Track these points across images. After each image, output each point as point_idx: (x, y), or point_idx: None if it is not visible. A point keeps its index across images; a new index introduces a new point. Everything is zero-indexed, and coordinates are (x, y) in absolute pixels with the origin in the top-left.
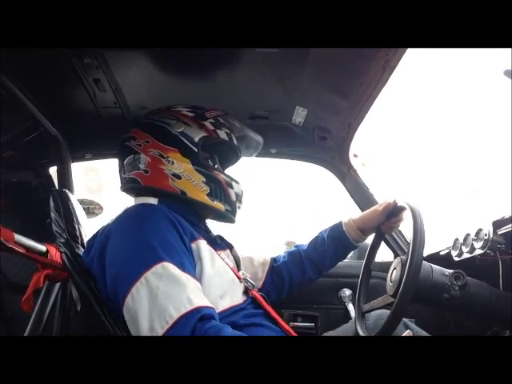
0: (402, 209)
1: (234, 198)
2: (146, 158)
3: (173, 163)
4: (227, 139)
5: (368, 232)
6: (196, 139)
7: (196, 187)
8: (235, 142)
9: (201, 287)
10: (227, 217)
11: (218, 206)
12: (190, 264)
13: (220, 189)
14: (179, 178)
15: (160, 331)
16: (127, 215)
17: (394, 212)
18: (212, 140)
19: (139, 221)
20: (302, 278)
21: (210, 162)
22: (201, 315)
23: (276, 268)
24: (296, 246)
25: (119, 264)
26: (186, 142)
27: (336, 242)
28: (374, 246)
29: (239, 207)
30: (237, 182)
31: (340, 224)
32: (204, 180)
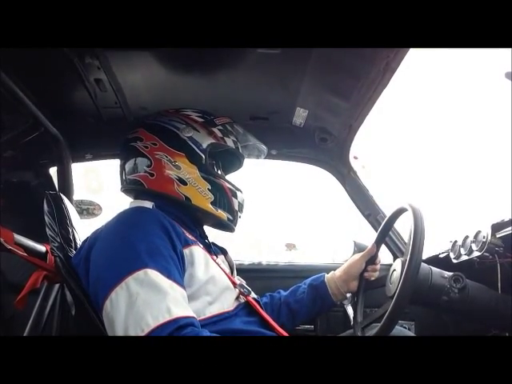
0: (402, 210)
1: (236, 207)
2: (152, 160)
3: (179, 168)
4: (234, 147)
5: (351, 282)
6: (204, 145)
7: (201, 194)
8: (240, 150)
9: (186, 295)
10: (228, 226)
11: (221, 214)
12: (177, 271)
13: (224, 198)
14: (185, 183)
15: None
16: (118, 219)
17: (371, 259)
18: (220, 147)
19: (129, 225)
20: (276, 322)
21: (215, 169)
22: (178, 325)
23: None
24: (278, 292)
25: (102, 267)
26: (194, 148)
27: (315, 291)
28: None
29: (240, 217)
30: (240, 191)
31: (322, 275)
32: (209, 188)
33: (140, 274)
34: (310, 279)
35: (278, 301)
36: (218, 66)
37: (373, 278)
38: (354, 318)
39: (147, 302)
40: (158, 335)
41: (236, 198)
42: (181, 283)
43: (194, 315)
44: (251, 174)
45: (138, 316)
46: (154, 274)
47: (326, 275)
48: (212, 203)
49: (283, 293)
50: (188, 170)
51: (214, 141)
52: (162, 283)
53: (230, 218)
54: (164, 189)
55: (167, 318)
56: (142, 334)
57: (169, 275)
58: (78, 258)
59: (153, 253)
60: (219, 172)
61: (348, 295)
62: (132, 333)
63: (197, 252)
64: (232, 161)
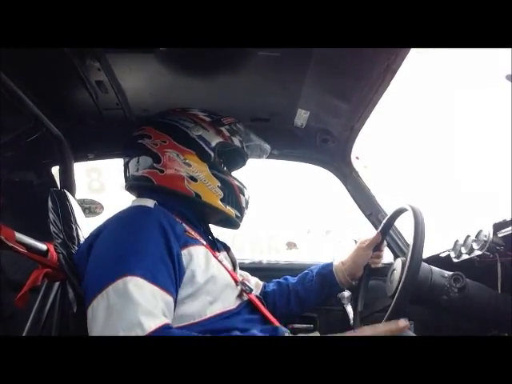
0: (402, 210)
1: (244, 204)
2: (162, 157)
3: (190, 165)
4: (240, 147)
5: (358, 272)
6: (213, 144)
7: (211, 191)
8: (245, 149)
9: (171, 300)
10: (234, 223)
11: (230, 211)
12: (167, 274)
13: (233, 195)
14: (195, 180)
15: None
16: (117, 219)
17: (376, 247)
18: (227, 146)
19: (125, 226)
20: (285, 309)
21: (223, 167)
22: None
23: (264, 294)
24: (285, 278)
25: (90, 271)
26: (204, 146)
27: (323, 279)
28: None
29: (246, 213)
30: (246, 188)
31: (330, 264)
32: (219, 185)
33: (119, 283)
34: (318, 267)
35: (286, 287)
36: (220, 68)
37: (376, 266)
38: (355, 308)
39: (121, 316)
40: None
41: (243, 195)
42: (166, 288)
43: (168, 320)
44: (252, 172)
45: (112, 330)
46: (133, 282)
47: (334, 264)
48: (221, 200)
49: (291, 280)
50: (199, 168)
51: (222, 140)
52: (141, 291)
53: (238, 214)
54: (174, 185)
55: (139, 334)
56: None
57: (153, 279)
58: (79, 255)
59: (140, 256)
60: (227, 170)
61: (347, 294)
62: None
63: (197, 252)
64: (236, 159)
